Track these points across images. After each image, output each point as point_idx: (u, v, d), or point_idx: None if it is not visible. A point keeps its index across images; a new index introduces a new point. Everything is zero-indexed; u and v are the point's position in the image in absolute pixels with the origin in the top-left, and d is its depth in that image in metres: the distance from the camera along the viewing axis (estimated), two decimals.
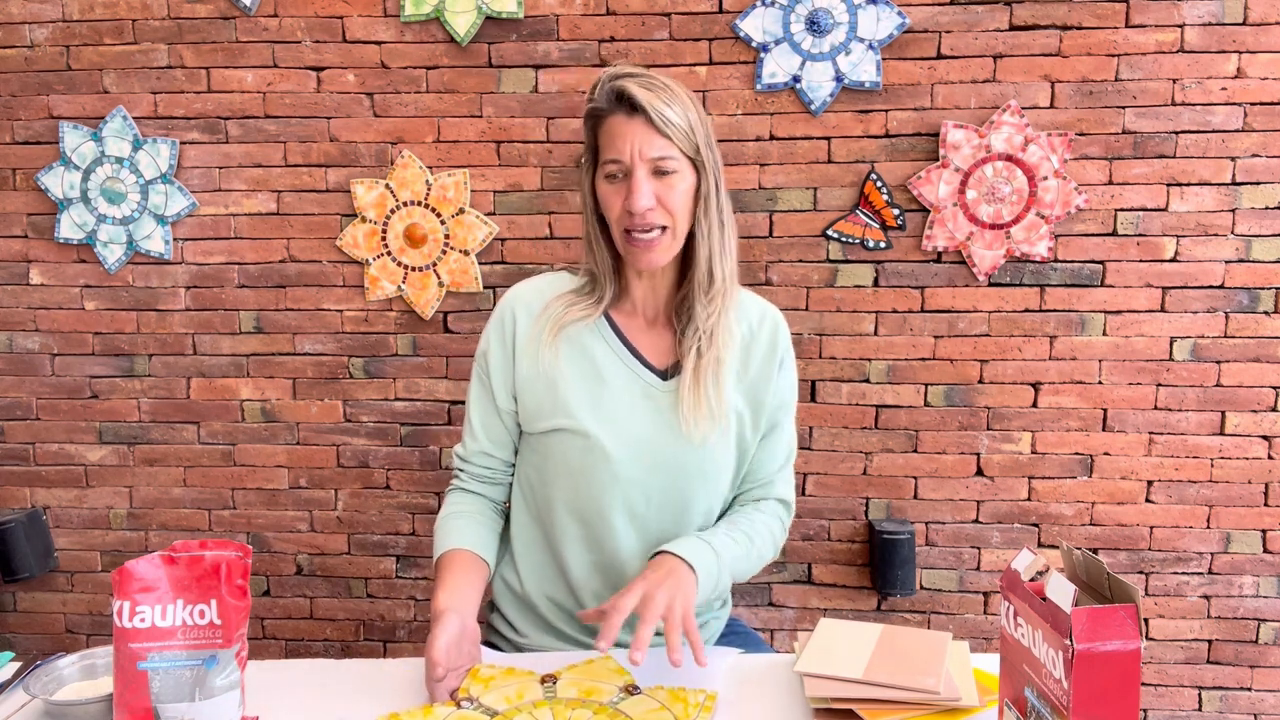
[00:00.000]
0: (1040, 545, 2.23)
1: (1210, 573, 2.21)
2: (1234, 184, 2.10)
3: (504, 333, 1.29)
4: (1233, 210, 2.11)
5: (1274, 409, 2.15)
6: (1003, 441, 2.21)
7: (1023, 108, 2.09)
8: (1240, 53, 2.06)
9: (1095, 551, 2.00)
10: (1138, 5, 2.06)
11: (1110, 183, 2.12)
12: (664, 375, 1.26)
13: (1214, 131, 2.09)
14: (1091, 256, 2.14)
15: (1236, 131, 2.08)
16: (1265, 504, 2.18)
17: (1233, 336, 2.14)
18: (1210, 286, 2.13)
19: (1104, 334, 2.16)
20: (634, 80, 1.16)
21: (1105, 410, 2.18)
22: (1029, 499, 2.22)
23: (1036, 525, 2.23)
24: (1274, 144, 2.08)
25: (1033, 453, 2.21)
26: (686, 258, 1.25)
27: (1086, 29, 2.08)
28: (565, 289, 1.29)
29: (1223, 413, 2.16)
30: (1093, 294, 2.15)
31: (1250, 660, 2.23)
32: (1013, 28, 2.09)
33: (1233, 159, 2.09)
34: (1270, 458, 2.17)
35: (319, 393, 2.30)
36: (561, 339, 1.25)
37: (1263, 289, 2.12)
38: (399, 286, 2.25)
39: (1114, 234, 2.13)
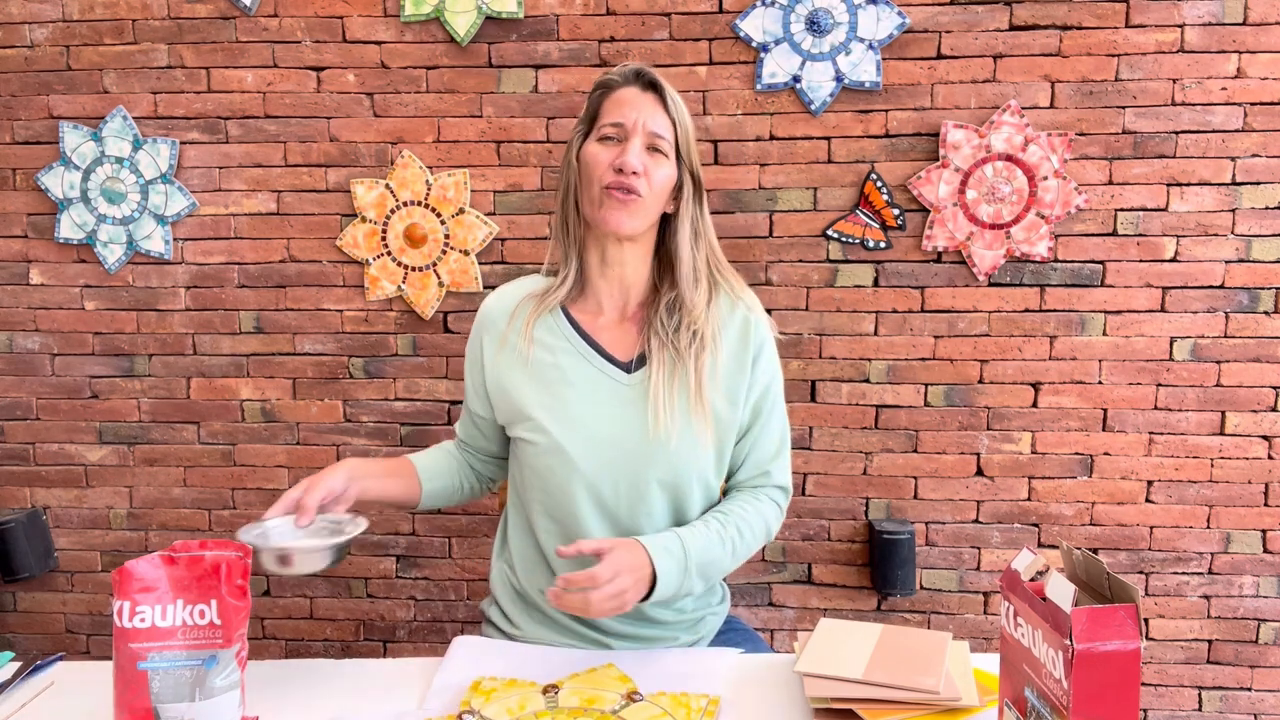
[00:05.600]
0: (1040, 545, 2.23)
1: (1210, 573, 2.21)
2: (1234, 184, 2.10)
3: (474, 349, 1.37)
4: (1233, 210, 2.11)
5: (1274, 409, 2.15)
6: (1003, 441, 2.21)
7: (1023, 108, 2.09)
8: (1240, 53, 2.06)
9: (1095, 551, 2.00)
10: (1138, 5, 2.06)
11: (1110, 183, 2.12)
12: (628, 368, 1.27)
13: (1214, 131, 2.09)
14: (1091, 256, 2.14)
15: (1236, 131, 2.08)
16: (1265, 504, 2.18)
17: (1233, 336, 2.14)
18: (1210, 286, 2.13)
19: (1104, 334, 2.16)
20: (654, 71, 1.29)
21: (1105, 410, 2.18)
22: (1029, 499, 2.22)
23: (1036, 525, 2.23)
24: (1274, 144, 2.08)
25: (1033, 453, 2.21)
26: (664, 255, 1.32)
27: (1086, 29, 2.08)
28: (534, 290, 1.35)
29: (1223, 413, 2.16)
30: (1093, 294, 2.15)
31: (1250, 660, 2.23)
32: (1013, 28, 2.09)
33: (1233, 159, 2.09)
34: (1270, 458, 2.17)
35: (319, 393, 2.30)
36: (522, 346, 1.32)
37: (1263, 289, 2.12)
38: (399, 286, 2.25)
39: (1114, 234, 2.13)
